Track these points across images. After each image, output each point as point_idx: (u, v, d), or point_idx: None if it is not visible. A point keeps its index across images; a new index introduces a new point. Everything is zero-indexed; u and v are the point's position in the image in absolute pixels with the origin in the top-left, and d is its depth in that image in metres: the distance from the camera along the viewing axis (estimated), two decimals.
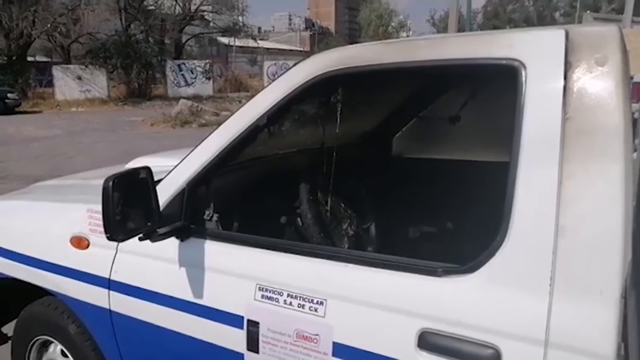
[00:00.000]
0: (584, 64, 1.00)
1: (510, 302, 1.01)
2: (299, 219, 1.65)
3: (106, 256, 1.60)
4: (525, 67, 1.05)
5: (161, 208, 1.46)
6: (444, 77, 1.45)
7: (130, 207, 1.33)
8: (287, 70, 1.39)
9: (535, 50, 1.05)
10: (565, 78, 1.01)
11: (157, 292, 1.49)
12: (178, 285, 1.45)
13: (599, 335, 0.92)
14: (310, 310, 1.23)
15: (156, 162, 2.46)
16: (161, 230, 1.41)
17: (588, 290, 0.94)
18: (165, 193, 1.49)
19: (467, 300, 1.06)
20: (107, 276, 1.58)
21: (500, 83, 1.15)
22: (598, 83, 0.98)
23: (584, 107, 0.98)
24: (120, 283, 1.56)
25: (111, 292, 1.58)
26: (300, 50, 40.54)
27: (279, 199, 1.70)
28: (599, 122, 0.97)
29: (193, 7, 27.35)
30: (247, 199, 1.70)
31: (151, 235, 1.38)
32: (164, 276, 1.49)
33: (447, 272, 1.09)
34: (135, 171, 1.35)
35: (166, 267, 1.48)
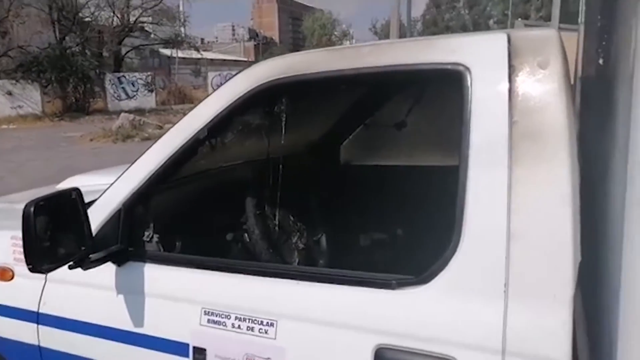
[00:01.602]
0: (527, 67, 1.00)
1: (466, 312, 0.98)
2: (246, 235, 1.57)
3: (34, 287, 1.46)
4: (470, 72, 1.03)
5: (95, 231, 1.35)
6: (389, 83, 1.43)
7: (59, 233, 1.22)
8: (228, 80, 1.33)
9: (478, 55, 1.04)
10: (509, 82, 1.00)
11: (93, 323, 1.37)
12: (116, 315, 1.34)
13: (554, 340, 0.91)
14: (260, 332, 1.16)
15: (93, 181, 2.32)
16: (94, 256, 1.29)
17: (542, 295, 0.93)
18: (99, 215, 1.38)
19: (422, 312, 1.02)
20: (36, 309, 1.44)
21: (445, 88, 1.14)
22: (542, 86, 0.98)
23: (529, 111, 0.98)
24: (51, 316, 1.42)
25: (40, 326, 1.44)
26: (245, 61, 40.25)
27: (224, 215, 1.62)
28: (544, 125, 0.97)
29: (132, 19, 26.58)
30: (190, 217, 1.61)
31: (82, 262, 1.27)
32: (100, 305, 1.38)
33: (401, 284, 1.05)
34: (63, 193, 1.24)
35: (102, 295, 1.36)
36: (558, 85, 0.98)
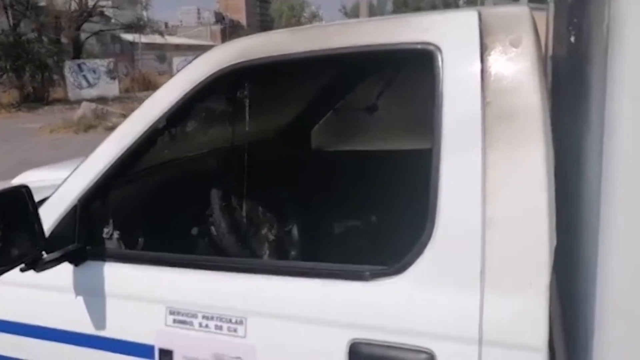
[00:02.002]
0: (499, 45, 0.96)
1: (442, 302, 0.95)
2: (212, 229, 1.51)
3: None
4: (441, 51, 0.99)
5: (49, 230, 1.27)
6: (358, 65, 1.37)
7: (10, 233, 1.13)
8: (187, 65, 1.25)
9: (449, 34, 1.00)
10: (481, 61, 0.96)
11: (50, 328, 1.28)
12: (75, 317, 1.26)
13: (531, 328, 0.89)
14: (229, 331, 1.10)
15: (49, 175, 2.20)
16: (49, 257, 1.21)
17: (518, 283, 0.91)
18: (53, 212, 1.29)
19: (397, 303, 0.99)
20: None
21: (417, 68, 1.09)
22: (514, 65, 0.95)
23: (502, 91, 0.94)
24: (2, 321, 1.33)
25: None
26: (212, 45, 39.47)
27: (188, 208, 1.54)
28: (518, 105, 0.93)
29: (91, 3, 25.57)
30: (153, 211, 1.53)
31: (35, 264, 1.18)
32: (57, 308, 1.29)
33: (374, 276, 1.01)
34: (10, 191, 1.15)
35: (60, 298, 1.28)
36: (531, 63, 0.94)
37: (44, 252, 1.21)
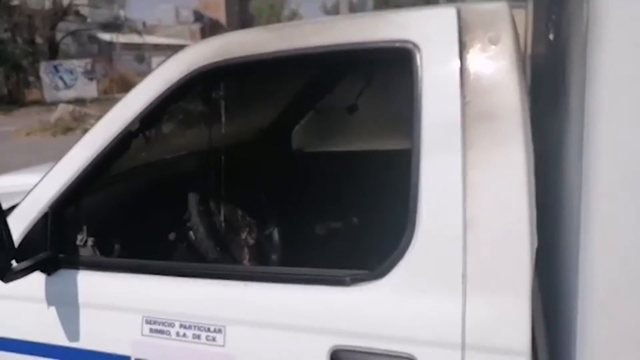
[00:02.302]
0: (478, 43, 0.95)
1: (423, 307, 0.93)
2: (190, 234, 1.47)
3: None
4: (419, 49, 0.97)
5: (19, 238, 1.22)
6: (336, 64, 1.35)
7: None
8: (160, 64, 1.21)
9: (428, 31, 0.98)
10: (460, 59, 0.94)
11: (20, 340, 1.24)
12: (48, 329, 1.21)
13: (514, 331, 0.88)
14: (208, 340, 1.07)
15: (23, 180, 2.12)
16: (19, 266, 1.16)
17: (500, 285, 0.89)
18: (24, 219, 1.25)
19: (378, 309, 0.97)
20: None
21: (395, 66, 1.07)
22: (494, 63, 0.93)
23: (482, 90, 0.93)
24: None
25: None
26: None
27: (165, 213, 1.50)
28: (498, 105, 0.92)
29: (65, 2, 25.07)
30: (128, 217, 1.49)
31: (3, 274, 1.13)
32: (28, 319, 1.25)
33: (355, 281, 0.99)
34: None
35: (31, 308, 1.24)
36: (510, 62, 0.93)
37: (13, 261, 1.16)
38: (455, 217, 0.91)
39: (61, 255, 1.24)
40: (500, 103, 0.92)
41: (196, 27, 44.04)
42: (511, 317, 0.88)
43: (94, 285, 1.21)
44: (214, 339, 1.06)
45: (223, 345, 1.06)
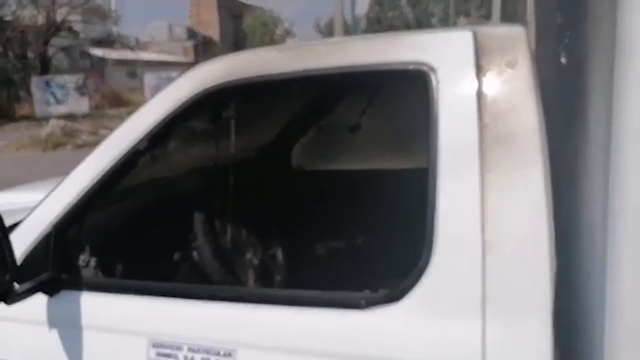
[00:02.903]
0: (495, 67, 0.95)
1: (442, 330, 0.92)
2: (195, 254, 1.44)
3: None
4: (435, 72, 0.97)
5: (21, 259, 1.19)
6: (349, 85, 1.35)
7: None
8: (170, 84, 1.20)
9: (444, 54, 0.98)
10: (478, 82, 0.94)
11: None
12: (49, 352, 1.18)
13: (536, 354, 0.86)
14: None
15: (17, 198, 2.09)
16: (21, 288, 1.13)
17: (521, 309, 0.88)
18: (25, 239, 1.22)
19: (395, 332, 0.95)
20: None
21: (410, 88, 1.07)
22: (511, 87, 0.94)
23: (500, 113, 0.93)
24: None
25: None
26: (184, 63, 39.11)
27: (169, 233, 1.48)
28: (516, 127, 0.92)
29: (59, 18, 25.09)
30: (132, 237, 1.46)
31: (7, 296, 1.10)
32: (29, 342, 1.21)
33: (370, 304, 0.97)
34: None
35: (32, 331, 1.20)
36: (527, 85, 0.93)
37: (15, 283, 1.13)
38: (474, 240, 0.90)
39: (63, 276, 1.21)
40: (519, 126, 0.92)
41: (189, 44, 44.22)
42: (532, 341, 0.86)
43: (97, 307, 1.18)
44: None
45: None
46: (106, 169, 1.19)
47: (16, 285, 1.13)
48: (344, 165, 1.98)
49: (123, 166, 1.19)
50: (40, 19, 24.25)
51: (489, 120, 0.93)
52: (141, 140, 1.16)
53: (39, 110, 21.08)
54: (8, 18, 23.00)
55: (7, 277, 1.09)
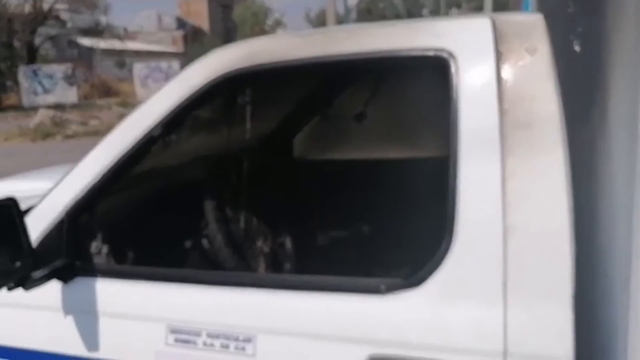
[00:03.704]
0: (515, 53, 0.96)
1: (463, 315, 0.93)
2: (205, 241, 1.44)
3: None
4: (454, 58, 0.98)
5: (35, 245, 1.18)
6: (367, 71, 1.34)
7: None
8: (184, 70, 1.19)
9: (464, 40, 0.99)
10: (497, 69, 0.95)
11: (37, 350, 1.20)
12: (65, 338, 1.17)
13: (557, 338, 0.88)
14: (237, 349, 1.05)
15: (19, 186, 2.07)
16: (37, 274, 1.12)
17: (542, 293, 0.90)
18: (38, 226, 1.21)
19: (416, 317, 0.96)
20: None
21: (429, 75, 1.07)
22: (531, 73, 0.95)
23: (520, 99, 0.94)
24: None
25: None
26: (172, 53, 38.70)
27: (179, 220, 1.47)
28: (536, 113, 0.93)
29: (46, 6, 24.67)
30: (141, 224, 1.46)
31: (24, 281, 1.10)
32: (45, 329, 1.21)
33: (390, 289, 0.98)
34: None
35: (47, 317, 1.20)
36: (547, 71, 0.94)
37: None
38: (495, 224, 0.92)
39: (77, 263, 1.21)
40: (539, 112, 0.93)
41: (179, 34, 43.77)
42: (554, 324, 0.88)
43: (113, 294, 1.18)
44: (243, 349, 1.04)
45: (253, 355, 1.03)
46: (119, 156, 1.18)
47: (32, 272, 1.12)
48: (360, 155, 1.97)
49: (137, 152, 1.19)
50: (27, 7, 23.84)
51: (509, 106, 0.94)
52: (156, 127, 1.16)
53: (26, 99, 20.81)
54: None
55: (24, 263, 1.09)
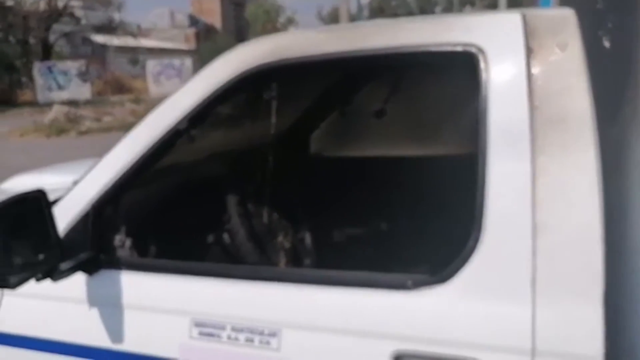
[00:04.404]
0: (546, 48, 0.95)
1: (491, 312, 0.92)
2: (226, 235, 1.45)
3: None
4: (484, 53, 0.97)
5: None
6: (396, 66, 1.34)
7: (24, 241, 1.06)
8: (210, 65, 1.20)
9: (493, 35, 0.98)
10: (528, 64, 0.94)
11: (62, 342, 1.21)
12: (90, 330, 1.19)
13: (587, 337, 0.87)
14: (262, 343, 1.05)
15: (40, 180, 2.10)
16: (64, 266, 1.14)
17: (572, 291, 0.89)
18: (64, 218, 1.22)
19: (443, 313, 0.96)
20: None
21: (457, 70, 1.07)
22: (562, 69, 0.94)
23: (551, 95, 0.93)
24: (9, 335, 1.25)
25: None
26: (185, 50, 38.89)
27: (201, 214, 1.48)
28: (567, 110, 0.92)
29: (61, 3, 24.91)
30: (163, 218, 1.47)
31: (52, 273, 1.11)
32: (70, 320, 1.22)
33: (417, 284, 0.97)
34: (27, 196, 1.08)
35: (72, 309, 1.21)
36: (578, 68, 0.93)
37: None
38: (524, 221, 0.91)
39: (102, 255, 1.22)
40: (570, 108, 0.92)
41: (191, 31, 43.98)
42: (584, 323, 0.87)
43: (138, 287, 1.19)
44: (268, 343, 1.04)
45: (278, 350, 1.04)
46: (145, 150, 1.19)
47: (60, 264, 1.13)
48: (379, 151, 1.96)
49: (162, 147, 1.19)
50: (42, 5, 24.09)
51: (540, 102, 0.93)
52: (181, 121, 1.16)
53: (40, 96, 21.03)
54: (10, 3, 22.84)
55: (53, 254, 1.10)
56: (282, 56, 1.10)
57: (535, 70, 0.94)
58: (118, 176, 1.21)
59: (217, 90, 1.14)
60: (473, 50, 0.98)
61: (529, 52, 0.95)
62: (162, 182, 1.53)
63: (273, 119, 1.35)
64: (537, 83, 0.94)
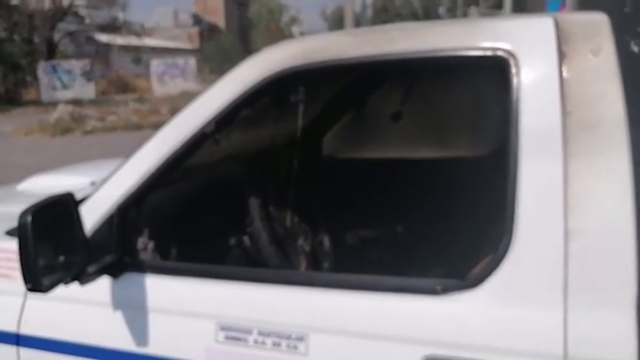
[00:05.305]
0: (579, 53, 0.95)
1: (522, 317, 0.92)
2: (246, 238, 1.44)
3: (10, 305, 1.27)
4: (515, 58, 0.97)
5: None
6: (424, 69, 1.33)
7: (48, 244, 1.06)
8: (236, 67, 1.20)
9: (525, 40, 0.98)
10: (560, 70, 0.94)
11: (87, 345, 1.21)
12: (114, 333, 1.18)
13: (619, 343, 0.87)
14: (289, 348, 1.05)
15: (56, 181, 2.09)
16: (91, 269, 1.14)
17: (604, 296, 0.89)
18: (88, 220, 1.22)
19: (473, 319, 0.95)
20: (15, 330, 1.26)
21: (488, 75, 1.06)
22: (595, 74, 0.93)
23: (584, 101, 0.93)
24: (34, 337, 1.25)
25: (21, 349, 1.26)
26: (189, 48, 38.93)
27: (222, 217, 1.48)
28: (601, 115, 0.92)
29: (65, 2, 24.95)
30: (186, 220, 1.47)
31: (80, 276, 1.11)
32: (94, 323, 1.22)
33: (446, 290, 0.97)
34: (58, 199, 1.08)
35: (96, 312, 1.21)
36: (612, 72, 0.93)
37: None
38: (557, 226, 0.91)
39: (126, 258, 1.22)
40: (603, 113, 0.92)
41: (194, 30, 44.03)
42: (616, 328, 0.87)
43: (162, 290, 1.18)
44: (295, 347, 1.04)
45: (306, 354, 1.03)
46: (171, 152, 1.19)
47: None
48: (404, 153, 1.94)
49: (188, 149, 1.19)
50: (47, 4, 24.14)
51: (573, 107, 0.93)
52: (208, 123, 1.16)
53: (45, 95, 21.06)
54: (14, 2, 22.90)
55: (81, 257, 1.10)
56: (311, 59, 1.10)
57: (568, 75, 0.94)
58: (144, 178, 1.21)
59: (244, 93, 1.14)
60: (504, 55, 0.98)
61: (562, 56, 0.95)
62: (183, 183, 1.53)
63: (299, 122, 1.34)
64: (570, 88, 0.94)
